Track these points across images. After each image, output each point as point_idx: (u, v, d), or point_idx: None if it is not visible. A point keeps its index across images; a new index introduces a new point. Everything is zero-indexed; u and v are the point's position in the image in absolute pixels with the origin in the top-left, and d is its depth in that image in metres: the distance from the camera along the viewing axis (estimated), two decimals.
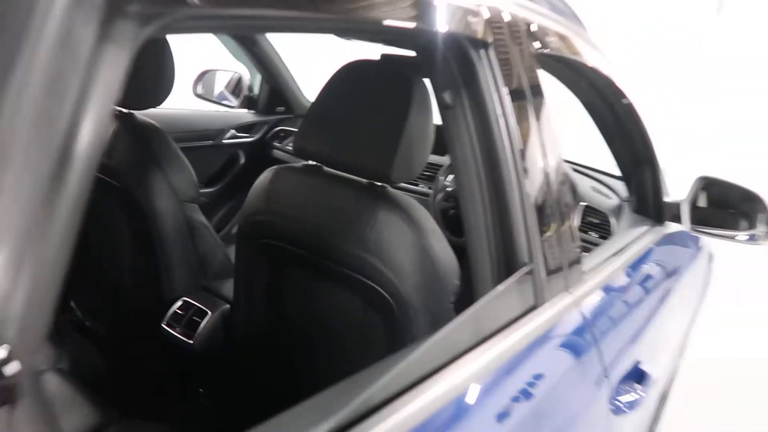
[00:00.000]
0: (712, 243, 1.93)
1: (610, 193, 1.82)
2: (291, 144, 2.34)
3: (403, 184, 1.63)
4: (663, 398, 1.78)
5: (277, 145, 2.43)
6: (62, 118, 0.38)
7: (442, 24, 0.74)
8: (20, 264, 0.36)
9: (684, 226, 1.55)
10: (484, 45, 0.80)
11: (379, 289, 0.96)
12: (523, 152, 0.86)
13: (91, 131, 0.39)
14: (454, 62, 0.81)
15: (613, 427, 1.01)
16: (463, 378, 0.71)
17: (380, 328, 0.99)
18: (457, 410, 0.70)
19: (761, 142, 5.91)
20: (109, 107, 0.40)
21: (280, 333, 1.18)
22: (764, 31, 5.52)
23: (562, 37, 1.06)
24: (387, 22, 0.67)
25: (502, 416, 0.75)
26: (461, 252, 0.97)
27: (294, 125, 2.48)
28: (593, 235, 1.72)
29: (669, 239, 1.58)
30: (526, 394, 0.80)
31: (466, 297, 0.88)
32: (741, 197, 1.57)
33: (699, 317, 1.97)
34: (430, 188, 1.93)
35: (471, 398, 0.72)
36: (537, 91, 0.92)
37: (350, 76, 1.01)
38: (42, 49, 0.36)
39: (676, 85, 5.59)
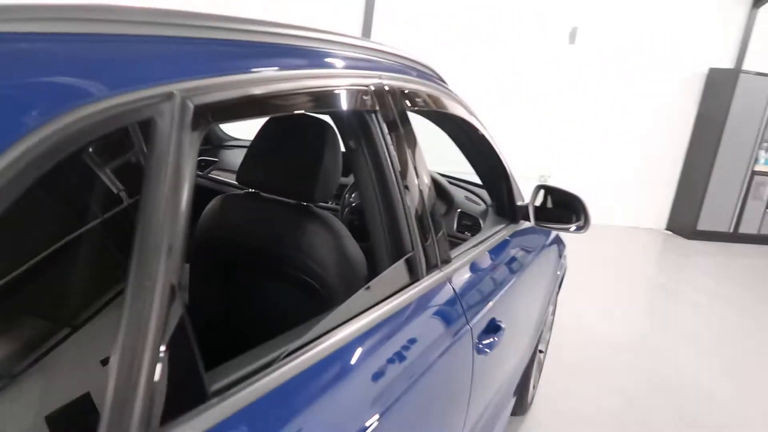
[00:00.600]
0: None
1: (479, 201, 2.31)
2: (214, 172, 2.65)
3: (321, 203, 2.03)
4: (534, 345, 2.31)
5: (200, 173, 2.73)
6: None
7: (349, 102, 1.14)
8: None
9: (531, 223, 2.07)
10: (373, 111, 1.21)
11: (310, 280, 1.35)
12: (403, 176, 1.29)
13: None
14: (355, 122, 1.22)
15: (477, 363, 1.46)
16: (360, 326, 1.09)
17: (311, 307, 1.38)
18: (360, 343, 1.08)
19: (605, 151, 6.92)
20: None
21: (231, 322, 1.53)
22: (613, 59, 6.50)
23: (428, 95, 1.51)
24: (312, 102, 1.06)
25: (392, 349, 1.15)
26: (366, 252, 1.38)
27: (213, 155, 2.79)
28: (468, 234, 2.19)
29: (521, 233, 2.08)
30: (411, 341, 1.21)
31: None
32: (570, 199, 2.11)
33: (555, 285, 2.53)
34: (338, 204, 2.33)
35: (372, 338, 1.12)
36: (410, 135, 1.35)
37: (279, 125, 1.39)
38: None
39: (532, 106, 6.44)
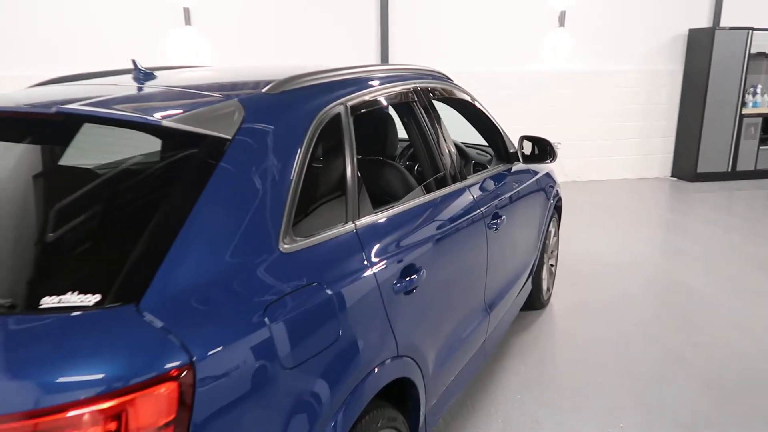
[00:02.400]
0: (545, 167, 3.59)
1: (485, 154, 3.40)
2: None
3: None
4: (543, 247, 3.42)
5: None
6: None
7: (403, 98, 2.27)
8: None
9: (521, 163, 3.16)
10: (414, 101, 2.33)
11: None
12: (434, 135, 2.40)
13: None
14: (407, 109, 2.34)
15: (489, 237, 2.56)
16: (432, 197, 2.21)
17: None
18: (432, 204, 2.19)
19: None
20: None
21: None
22: (601, 35, 7.48)
23: (442, 89, 2.62)
24: (388, 100, 2.18)
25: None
26: (415, 177, 2.49)
27: None
28: None
29: (514, 170, 3.17)
30: (453, 211, 2.31)
31: None
32: (543, 143, 3.20)
33: (549, 206, 3.59)
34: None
35: (436, 206, 2.22)
36: (436, 114, 2.46)
37: (371, 116, 2.52)
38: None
39: None
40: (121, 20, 6.43)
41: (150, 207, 1.28)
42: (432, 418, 2.09)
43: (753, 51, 7.59)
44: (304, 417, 1.34)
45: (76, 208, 1.35)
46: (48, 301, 1.10)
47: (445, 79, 2.75)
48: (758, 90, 7.95)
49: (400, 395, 1.86)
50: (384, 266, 1.71)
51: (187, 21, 6.59)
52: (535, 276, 3.59)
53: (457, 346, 2.26)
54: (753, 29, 7.48)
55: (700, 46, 7.64)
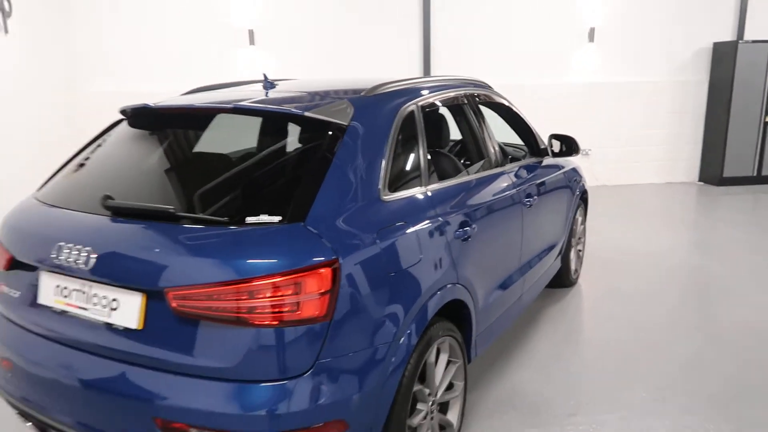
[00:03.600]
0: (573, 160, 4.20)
1: (520, 151, 4.03)
2: None
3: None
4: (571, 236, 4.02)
5: None
6: None
7: (456, 101, 2.94)
8: None
9: (550, 158, 3.79)
10: (464, 104, 2.99)
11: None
12: (481, 132, 3.06)
13: None
14: (459, 110, 3.01)
15: (524, 212, 3.19)
16: (486, 174, 2.87)
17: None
18: (486, 179, 2.84)
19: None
20: None
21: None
22: (630, 50, 8.04)
23: (484, 94, 3.29)
24: (445, 103, 2.86)
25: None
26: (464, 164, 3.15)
27: None
28: None
29: (545, 163, 3.78)
30: (500, 186, 2.95)
31: None
32: (570, 139, 3.82)
33: (575, 195, 4.19)
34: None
35: (486, 181, 2.87)
36: (482, 116, 3.12)
37: (430, 115, 3.19)
38: None
39: None
40: (196, 42, 7.30)
41: (305, 167, 1.98)
42: (480, 343, 2.72)
43: None
44: (400, 308, 2.00)
45: (263, 168, 2.08)
46: (251, 219, 1.80)
47: (487, 87, 3.41)
48: None
49: (457, 317, 2.49)
50: (447, 218, 2.37)
51: (252, 41, 7.42)
52: (564, 256, 4.18)
53: (498, 292, 2.89)
54: None
55: (724, 57, 8.11)
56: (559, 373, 3.25)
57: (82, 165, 2.39)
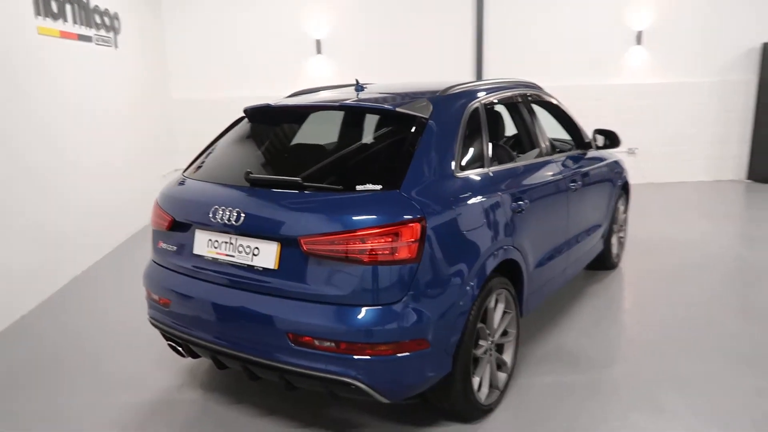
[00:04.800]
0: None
1: (567, 145, 4.53)
2: None
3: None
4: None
5: None
6: None
7: (513, 100, 3.50)
8: None
9: (594, 150, 4.28)
10: (519, 103, 3.55)
11: None
12: (534, 126, 3.60)
13: None
14: (515, 108, 3.56)
15: (570, 194, 3.70)
16: (538, 161, 3.41)
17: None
18: (537, 165, 3.37)
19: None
20: None
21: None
22: (680, 51, 8.34)
23: (535, 94, 3.83)
24: (504, 102, 3.42)
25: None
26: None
27: None
28: None
29: (589, 155, 4.27)
30: (553, 171, 3.48)
31: None
32: (612, 134, 4.30)
33: (617, 184, 4.65)
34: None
35: (539, 167, 3.41)
36: (534, 113, 3.67)
37: (491, 110, 3.75)
38: None
39: None
40: (269, 51, 8.08)
41: (398, 149, 2.60)
42: (530, 302, 3.26)
43: None
44: (469, 258, 2.59)
45: (366, 150, 2.73)
46: (360, 187, 2.43)
47: (538, 87, 3.96)
48: None
49: (512, 276, 3.04)
50: (505, 193, 2.94)
51: (318, 50, 8.14)
52: (606, 240, 4.65)
53: (546, 260, 3.42)
54: None
55: None
56: (599, 335, 3.74)
57: (219, 151, 3.08)
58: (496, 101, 3.32)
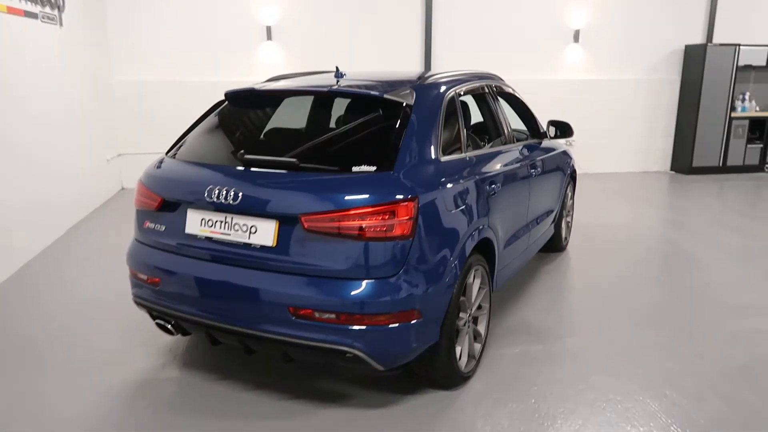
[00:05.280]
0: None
1: (523, 135, 4.82)
2: None
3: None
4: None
5: None
6: None
7: (480, 91, 3.72)
8: None
9: (547, 140, 4.59)
10: (486, 94, 3.77)
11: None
12: (500, 115, 3.84)
13: None
14: (482, 99, 3.78)
15: (531, 178, 3.97)
16: (506, 148, 3.65)
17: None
18: (502, 151, 3.61)
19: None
20: None
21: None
22: (610, 50, 8.90)
23: (497, 85, 4.06)
24: (474, 92, 3.63)
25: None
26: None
27: None
28: None
29: (543, 144, 4.58)
30: (515, 157, 3.73)
31: None
32: (565, 125, 4.62)
33: (567, 172, 5.00)
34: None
35: (508, 151, 3.64)
36: (499, 103, 3.90)
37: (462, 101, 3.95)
38: None
39: None
40: (217, 36, 7.95)
41: (388, 133, 2.74)
42: (500, 279, 3.50)
43: (740, 63, 8.95)
44: (455, 236, 2.77)
45: (357, 133, 2.84)
46: (355, 168, 2.55)
47: (500, 79, 4.20)
48: (746, 96, 9.31)
49: (485, 254, 3.26)
50: (481, 176, 3.15)
51: (269, 37, 8.10)
52: (557, 224, 4.99)
53: (512, 240, 3.67)
54: (740, 45, 8.86)
55: (694, 59, 9.03)
56: (555, 310, 4.06)
57: (204, 133, 3.12)
58: (467, 90, 3.52)
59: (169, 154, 3.08)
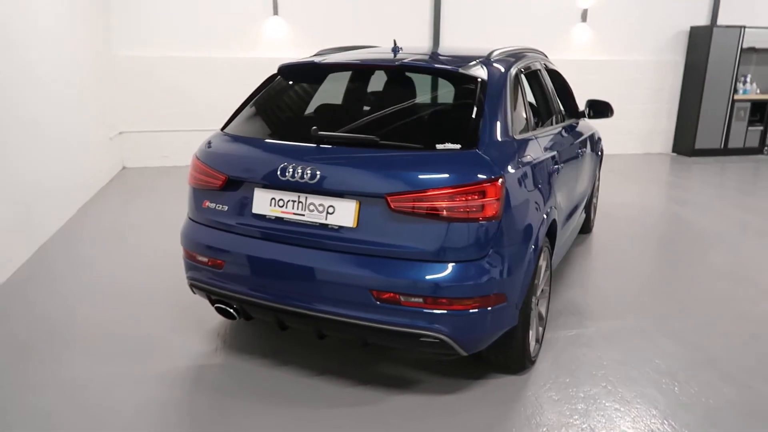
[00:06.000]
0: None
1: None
2: None
3: None
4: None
5: None
6: None
7: (535, 69, 3.62)
8: None
9: (587, 119, 4.52)
10: (541, 68, 3.67)
11: None
12: (552, 94, 3.75)
13: None
14: (536, 76, 3.68)
15: (579, 157, 3.90)
16: (551, 128, 3.56)
17: None
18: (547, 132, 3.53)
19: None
20: None
21: None
22: (618, 29, 8.84)
23: (546, 62, 3.97)
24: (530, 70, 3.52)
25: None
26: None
27: None
28: None
29: (582, 122, 4.51)
30: (563, 137, 3.65)
31: None
32: (604, 104, 4.55)
33: (598, 153, 4.96)
34: None
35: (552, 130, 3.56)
36: (548, 81, 3.81)
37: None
38: None
39: None
40: (223, 10, 7.66)
41: (467, 110, 2.62)
42: (555, 260, 3.44)
43: (745, 46, 8.99)
44: (535, 216, 2.69)
45: (435, 108, 2.72)
46: (439, 146, 2.44)
47: (545, 56, 4.10)
48: (748, 79, 9.37)
49: (549, 234, 3.19)
50: (548, 154, 3.07)
51: (276, 11, 7.84)
52: (587, 205, 4.95)
53: (566, 221, 3.61)
54: (745, 27, 8.89)
55: (700, 41, 9.04)
56: (599, 291, 4.03)
57: (263, 109, 2.96)
58: (525, 67, 3.42)
59: (225, 130, 2.93)
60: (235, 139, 2.82)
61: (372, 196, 2.39)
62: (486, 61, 2.93)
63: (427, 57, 3.02)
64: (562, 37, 8.85)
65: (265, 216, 2.60)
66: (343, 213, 2.45)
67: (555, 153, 3.26)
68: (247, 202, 2.64)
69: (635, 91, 9.34)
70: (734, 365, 3.07)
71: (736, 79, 9.11)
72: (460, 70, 2.71)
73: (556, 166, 3.17)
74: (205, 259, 2.75)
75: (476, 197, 2.34)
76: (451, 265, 2.36)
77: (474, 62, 2.85)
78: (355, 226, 2.43)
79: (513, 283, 2.54)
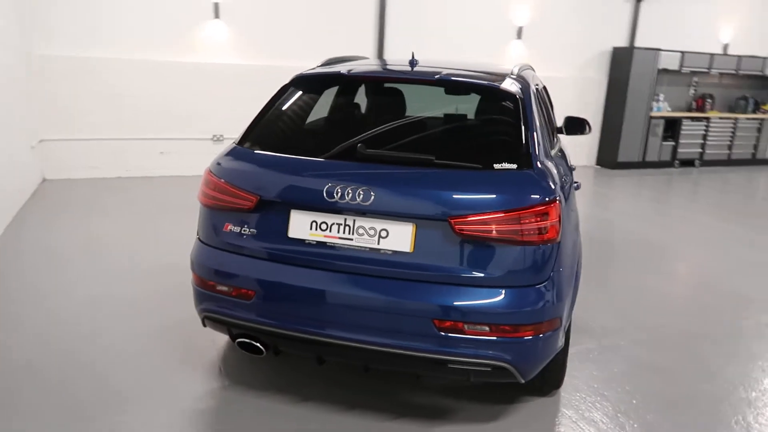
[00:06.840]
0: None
1: None
2: None
3: None
4: None
5: None
6: None
7: (533, 89, 3.62)
8: None
9: (564, 134, 4.62)
10: (535, 92, 3.69)
11: None
12: (550, 112, 3.77)
13: None
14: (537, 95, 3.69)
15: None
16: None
17: None
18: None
19: None
20: None
21: None
22: (549, 47, 9.26)
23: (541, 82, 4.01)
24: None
25: None
26: None
27: None
28: None
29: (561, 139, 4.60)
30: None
31: None
32: (581, 120, 4.66)
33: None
34: None
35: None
36: (546, 101, 3.83)
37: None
38: None
39: None
40: (158, 10, 7.12)
41: (514, 127, 2.52)
42: None
43: (659, 67, 9.72)
44: (577, 236, 2.66)
45: (482, 127, 2.61)
46: (497, 166, 2.34)
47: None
48: (661, 98, 10.14)
49: None
50: (570, 173, 3.06)
51: (216, 15, 7.42)
52: None
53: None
54: (660, 50, 9.61)
55: (622, 60, 9.66)
56: (596, 305, 4.11)
57: (286, 123, 2.71)
58: (536, 84, 3.41)
59: (245, 145, 2.64)
60: (264, 155, 2.55)
61: (432, 219, 2.24)
62: (516, 77, 2.87)
63: (460, 71, 2.89)
64: (500, 51, 9.10)
65: (304, 240, 2.36)
66: (399, 237, 2.28)
67: (571, 169, 3.28)
68: (281, 225, 2.39)
69: (562, 107, 9.77)
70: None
71: (652, 97, 9.81)
72: (501, 86, 2.63)
73: (575, 183, 3.18)
74: (227, 289, 2.45)
75: (539, 219, 2.26)
76: (516, 291, 2.27)
77: (508, 78, 2.78)
78: (411, 250, 2.27)
79: (566, 306, 2.48)
